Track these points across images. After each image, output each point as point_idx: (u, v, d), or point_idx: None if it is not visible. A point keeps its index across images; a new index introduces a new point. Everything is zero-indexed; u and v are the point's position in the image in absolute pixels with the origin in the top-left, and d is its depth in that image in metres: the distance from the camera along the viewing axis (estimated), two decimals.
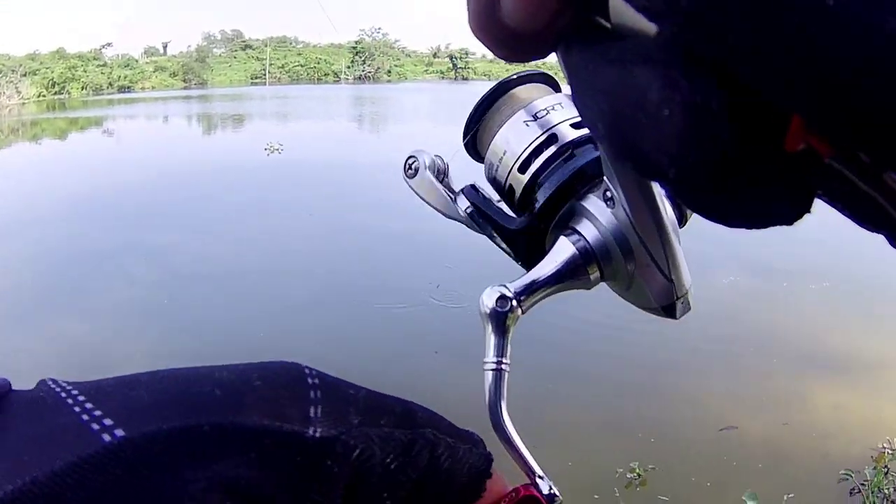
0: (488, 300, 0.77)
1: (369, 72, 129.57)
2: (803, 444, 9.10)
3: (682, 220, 0.81)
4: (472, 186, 0.90)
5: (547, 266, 0.79)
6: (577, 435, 9.04)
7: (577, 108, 0.45)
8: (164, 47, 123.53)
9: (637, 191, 0.68)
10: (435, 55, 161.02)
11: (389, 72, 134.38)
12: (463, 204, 0.88)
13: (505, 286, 0.78)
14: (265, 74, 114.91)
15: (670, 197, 0.72)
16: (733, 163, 0.38)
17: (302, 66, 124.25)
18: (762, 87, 0.34)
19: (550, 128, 0.84)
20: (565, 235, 0.79)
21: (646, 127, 0.38)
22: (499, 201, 0.88)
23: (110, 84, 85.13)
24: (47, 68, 76.61)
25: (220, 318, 11.88)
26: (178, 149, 35.53)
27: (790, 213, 0.42)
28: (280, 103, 70.12)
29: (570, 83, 0.46)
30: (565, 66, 0.47)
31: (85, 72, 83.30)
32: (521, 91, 0.91)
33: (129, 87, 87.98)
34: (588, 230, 0.77)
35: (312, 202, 21.57)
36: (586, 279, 0.80)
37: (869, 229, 0.41)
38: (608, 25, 0.42)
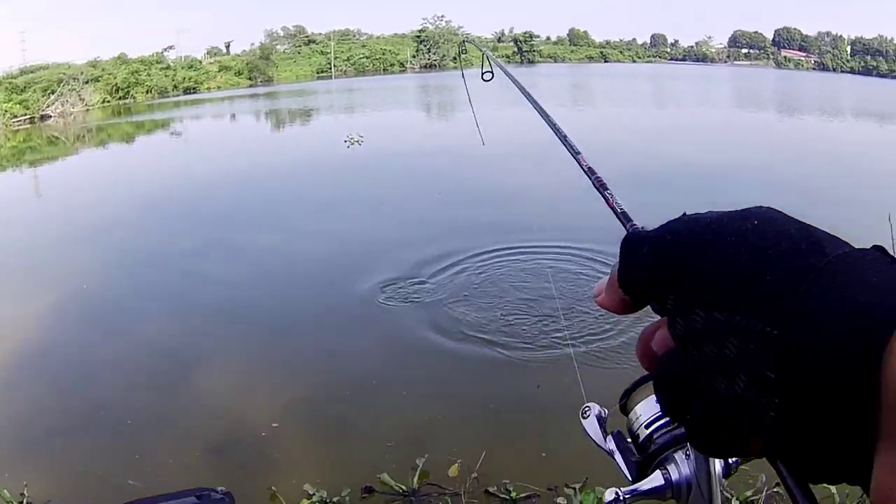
0: (608, 497, 1.33)
1: (435, 60, 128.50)
2: None
3: (727, 473, 1.35)
4: (618, 433, 1.36)
5: (646, 485, 1.30)
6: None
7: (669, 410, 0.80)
8: (227, 47, 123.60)
9: (701, 457, 1.27)
10: (499, 39, 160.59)
11: (455, 59, 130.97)
12: (610, 443, 1.36)
13: (618, 490, 1.32)
14: (331, 68, 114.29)
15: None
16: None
17: (367, 57, 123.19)
18: None
19: None
20: (660, 470, 1.29)
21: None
22: (629, 441, 1.33)
23: (175, 86, 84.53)
24: (109, 74, 76.15)
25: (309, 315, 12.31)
26: (256, 146, 35.43)
27: None
28: (349, 96, 69.99)
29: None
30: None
31: (148, 76, 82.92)
32: None
33: (194, 89, 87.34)
34: (673, 471, 1.28)
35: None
36: (664, 498, 1.31)
37: None
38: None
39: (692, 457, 1.28)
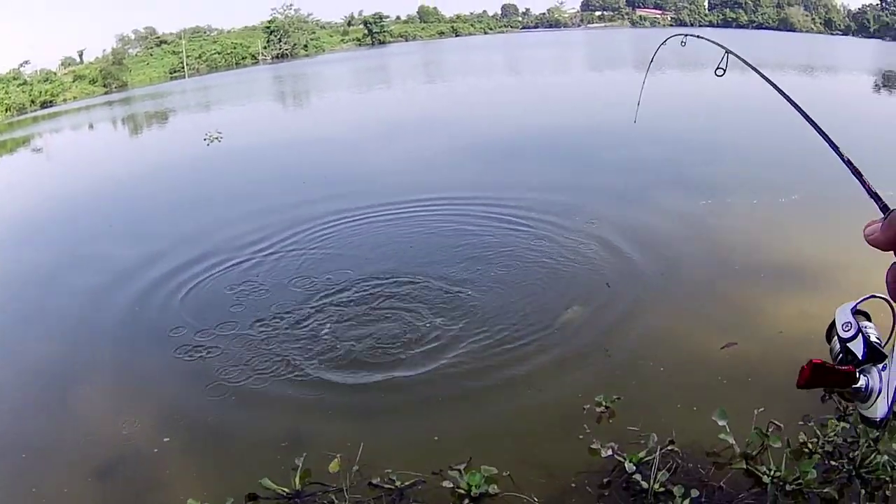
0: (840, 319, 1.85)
1: (286, 49, 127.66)
2: (759, 358, 9.49)
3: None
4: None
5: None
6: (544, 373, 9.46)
7: None
8: (80, 55, 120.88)
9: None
10: (349, 23, 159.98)
11: (306, 46, 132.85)
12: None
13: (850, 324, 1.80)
14: (184, 67, 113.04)
15: None
16: None
17: (219, 53, 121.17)
18: None
19: (859, 329, 1.79)
20: (861, 373, 1.72)
21: None
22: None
23: (32, 101, 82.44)
24: None
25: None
26: (116, 154, 35.23)
27: None
28: (204, 94, 69.52)
29: None
30: None
31: (6, 93, 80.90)
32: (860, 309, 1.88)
33: (51, 102, 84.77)
34: (870, 377, 1.69)
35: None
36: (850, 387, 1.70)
37: None
38: None
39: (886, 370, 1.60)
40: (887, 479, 6.99)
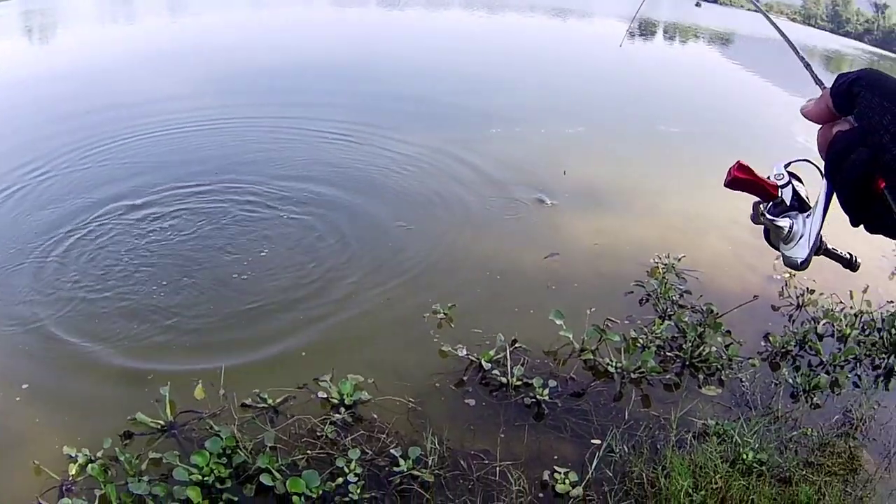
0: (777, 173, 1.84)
1: None
2: (579, 267, 10.42)
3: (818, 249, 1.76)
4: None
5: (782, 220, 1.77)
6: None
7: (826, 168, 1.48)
8: None
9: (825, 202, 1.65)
10: None
11: None
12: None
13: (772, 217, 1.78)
14: None
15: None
16: (857, 193, 1.40)
17: None
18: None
19: (790, 180, 1.81)
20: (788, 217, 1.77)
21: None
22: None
23: None
24: None
25: None
26: None
27: (884, 222, 1.41)
28: None
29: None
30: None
31: None
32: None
33: None
34: (795, 221, 1.76)
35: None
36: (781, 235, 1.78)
37: None
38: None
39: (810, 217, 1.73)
40: (719, 366, 8.11)
